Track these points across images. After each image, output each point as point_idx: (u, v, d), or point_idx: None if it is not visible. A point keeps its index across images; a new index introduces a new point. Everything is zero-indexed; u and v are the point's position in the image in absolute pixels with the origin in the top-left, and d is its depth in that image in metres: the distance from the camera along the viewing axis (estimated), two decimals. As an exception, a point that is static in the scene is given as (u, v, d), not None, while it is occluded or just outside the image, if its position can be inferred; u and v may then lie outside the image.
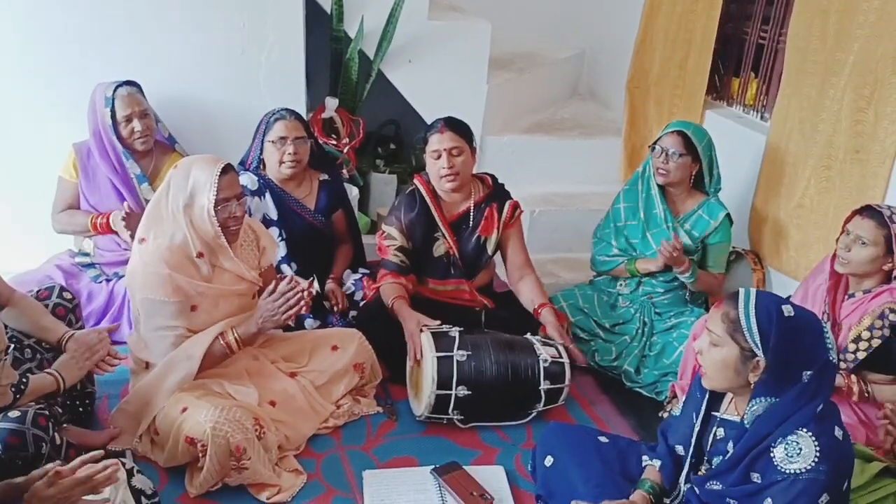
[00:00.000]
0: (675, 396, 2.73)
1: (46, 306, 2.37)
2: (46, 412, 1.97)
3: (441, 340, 2.59)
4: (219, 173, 2.29)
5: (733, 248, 3.22)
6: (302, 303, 2.38)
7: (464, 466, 2.39)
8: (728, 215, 3.01)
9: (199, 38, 3.22)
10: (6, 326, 2.22)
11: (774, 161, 3.22)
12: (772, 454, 1.71)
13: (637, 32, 4.08)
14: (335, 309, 2.99)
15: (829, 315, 2.44)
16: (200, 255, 2.34)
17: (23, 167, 3.18)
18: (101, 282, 3.02)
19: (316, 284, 2.92)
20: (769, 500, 1.70)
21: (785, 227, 3.18)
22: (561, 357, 2.65)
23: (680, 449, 2.00)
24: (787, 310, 1.74)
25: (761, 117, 3.54)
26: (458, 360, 2.54)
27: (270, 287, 2.41)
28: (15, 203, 3.21)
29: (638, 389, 2.94)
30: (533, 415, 2.66)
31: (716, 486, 1.84)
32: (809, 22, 3.02)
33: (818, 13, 2.97)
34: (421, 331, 2.63)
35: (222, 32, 3.24)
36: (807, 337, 1.73)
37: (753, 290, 1.78)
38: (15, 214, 3.22)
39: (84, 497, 1.64)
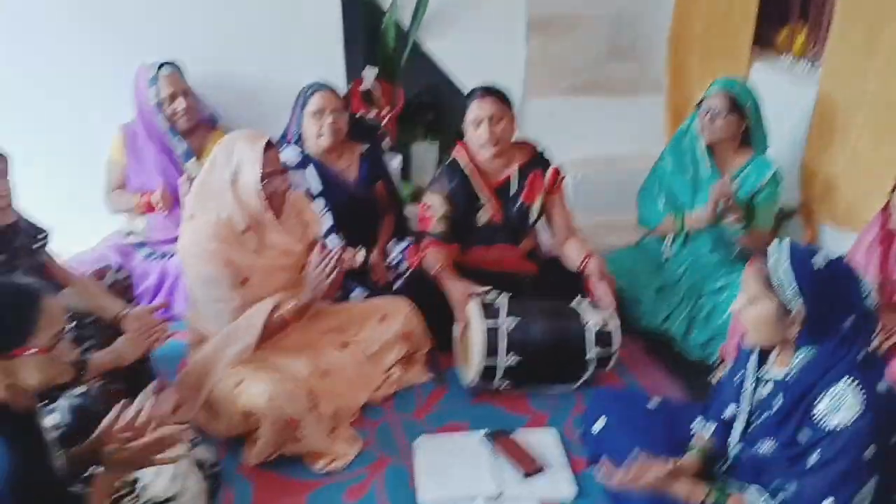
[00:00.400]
0: (724, 359, 2.70)
1: (102, 285, 2.44)
2: (110, 388, 2.04)
3: (489, 309, 2.60)
4: (263, 148, 2.31)
5: (783, 207, 3.14)
6: (340, 265, 2.40)
7: (515, 431, 2.41)
8: (776, 172, 2.94)
9: (235, 16, 3.24)
10: (67, 306, 2.31)
11: (825, 111, 3.13)
12: (816, 408, 1.69)
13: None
14: (376, 282, 3.01)
15: (879, 272, 2.37)
16: (248, 229, 2.37)
17: (74, 150, 3.25)
18: (153, 260, 3.09)
19: (362, 254, 2.96)
20: (816, 454, 1.69)
21: (837, 179, 3.09)
22: (609, 322, 2.63)
23: (729, 410, 1.99)
24: (819, 259, 1.71)
25: (812, 66, 3.42)
26: (506, 329, 2.55)
27: (310, 258, 2.44)
28: (69, 186, 3.29)
29: (688, 352, 2.92)
30: (583, 379, 2.66)
31: (767, 443, 1.83)
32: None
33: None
34: (469, 297, 2.64)
35: (259, 8, 3.25)
36: (844, 284, 1.71)
37: (785, 244, 1.75)
38: (69, 197, 3.30)
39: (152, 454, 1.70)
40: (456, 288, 2.69)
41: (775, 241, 1.77)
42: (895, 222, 2.35)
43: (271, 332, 2.42)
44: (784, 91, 3.37)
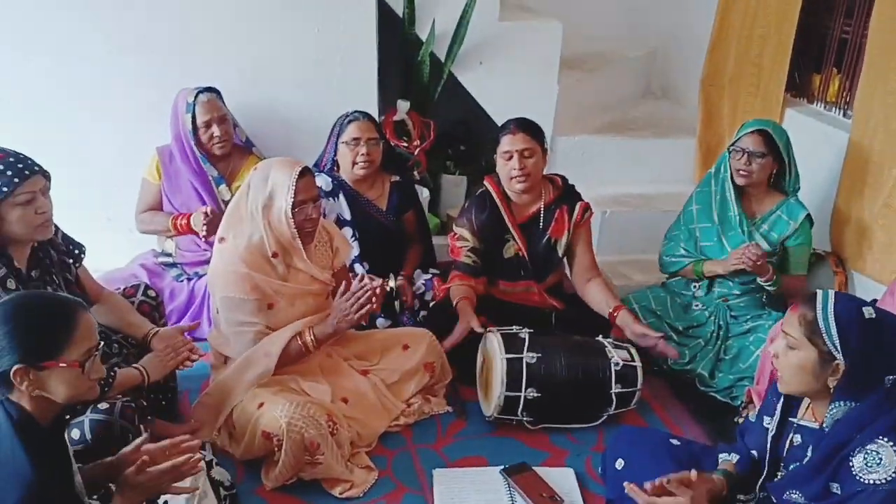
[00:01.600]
0: (751, 401, 2.66)
1: (132, 303, 2.48)
2: (133, 405, 2.06)
3: (511, 342, 2.59)
4: (297, 176, 2.34)
5: (814, 249, 3.11)
6: (373, 300, 2.41)
7: (533, 468, 2.39)
8: (809, 216, 2.92)
9: (274, 45, 3.31)
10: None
11: (857, 159, 3.11)
12: (851, 463, 1.66)
13: (711, 29, 3.99)
14: (404, 305, 3.03)
15: None
16: (275, 255, 2.40)
17: (110, 170, 3.32)
18: (182, 281, 3.14)
19: (391, 282, 2.97)
20: None
21: (869, 229, 3.05)
22: (633, 360, 2.62)
23: (755, 454, 1.95)
24: (868, 311, 1.68)
25: (844, 114, 3.41)
26: (527, 362, 2.54)
27: (342, 288, 2.45)
28: (103, 205, 3.36)
29: (712, 394, 2.88)
30: (604, 418, 2.63)
31: (795, 496, 1.79)
32: (892, 13, 2.90)
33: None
34: (489, 331, 2.64)
35: (296, 38, 3.32)
36: (889, 339, 1.67)
37: (832, 292, 1.73)
38: (103, 215, 3.37)
39: (172, 484, 1.71)
40: (464, 317, 2.70)
41: (820, 290, 1.75)
42: None
43: (292, 359, 2.43)
44: (817, 137, 3.36)
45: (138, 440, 1.76)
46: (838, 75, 3.48)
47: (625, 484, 1.90)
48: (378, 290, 2.43)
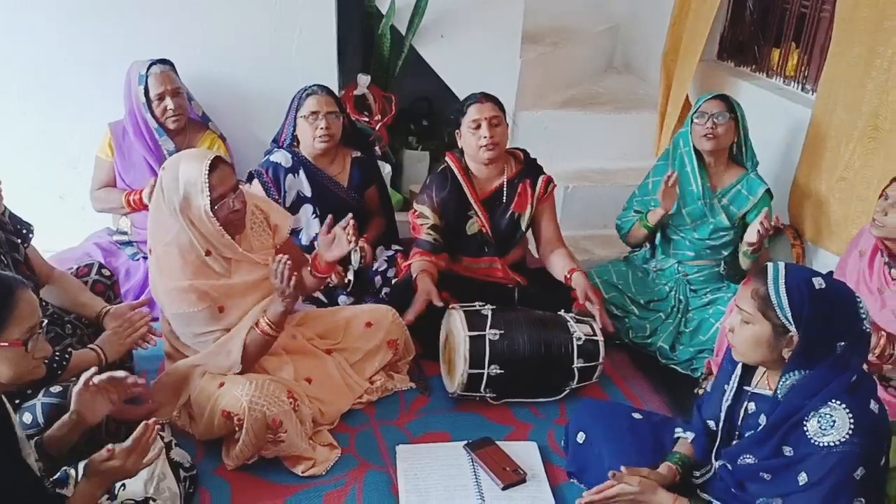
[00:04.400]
0: (710, 373, 2.70)
1: (86, 283, 2.42)
2: (87, 387, 2.01)
3: (474, 319, 2.58)
4: (207, 171, 2.18)
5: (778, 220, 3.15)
6: (288, 272, 2.22)
7: (497, 442, 2.40)
8: (768, 190, 2.94)
9: (231, 17, 3.23)
10: (46, 303, 2.29)
11: (818, 133, 3.14)
12: (805, 427, 1.69)
13: (673, 4, 3.99)
14: (363, 263, 2.95)
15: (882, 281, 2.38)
16: (209, 252, 2.28)
17: (63, 145, 3.24)
18: (138, 259, 3.07)
19: (350, 275, 2.93)
20: (804, 473, 1.68)
21: (826, 201, 3.10)
22: (595, 334, 2.63)
23: (712, 424, 1.98)
24: (818, 282, 1.70)
25: (802, 88, 3.45)
26: (490, 339, 2.54)
27: (274, 265, 2.29)
28: (55, 182, 3.28)
29: (673, 366, 2.92)
30: (566, 392, 2.65)
31: (749, 459, 1.82)
32: (855, -7, 2.92)
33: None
34: (452, 307, 2.63)
35: (255, 10, 3.25)
36: (839, 308, 1.70)
37: (782, 265, 1.75)
38: (56, 194, 3.28)
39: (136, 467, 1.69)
40: (423, 284, 2.68)
41: (771, 263, 1.76)
42: (875, 227, 2.36)
43: (260, 352, 2.36)
44: (776, 110, 3.40)
45: (86, 373, 1.75)
46: (797, 50, 3.51)
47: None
48: (289, 261, 2.26)
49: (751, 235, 2.72)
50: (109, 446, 1.63)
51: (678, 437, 2.07)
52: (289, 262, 2.25)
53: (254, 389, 2.21)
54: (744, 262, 2.88)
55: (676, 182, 2.86)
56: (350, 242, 2.38)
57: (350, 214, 2.44)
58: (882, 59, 2.82)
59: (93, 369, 1.80)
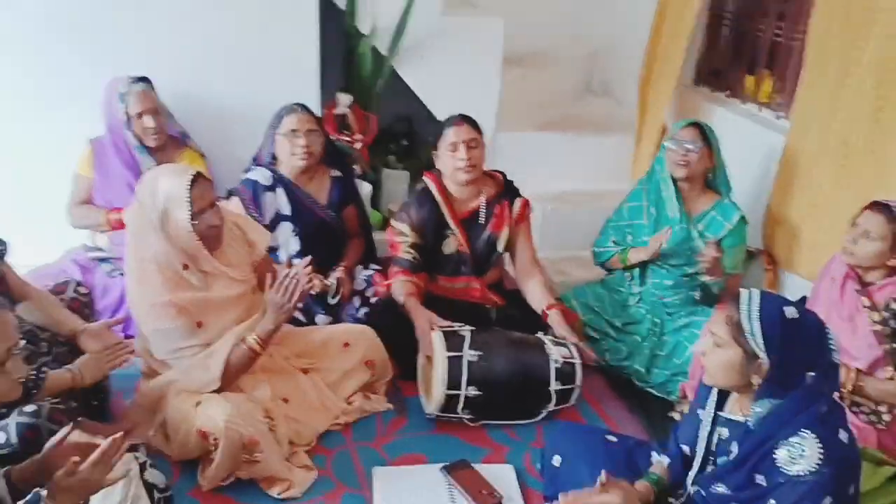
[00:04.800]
0: (685, 397, 2.73)
1: (62, 300, 2.41)
2: (62, 407, 1.99)
3: (452, 340, 2.59)
4: (189, 185, 2.20)
5: (747, 248, 3.20)
6: (300, 289, 2.30)
7: (473, 464, 2.40)
8: (743, 216, 2.99)
9: (212, 34, 3.24)
10: (22, 320, 2.26)
11: (791, 160, 3.21)
12: (775, 456, 1.71)
13: (650, 29, 4.06)
14: (339, 298, 2.98)
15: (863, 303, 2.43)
16: (186, 266, 2.28)
17: (39, 162, 3.21)
18: (115, 276, 3.04)
19: (330, 279, 2.93)
20: (772, 501, 1.70)
21: (798, 227, 3.16)
22: (572, 357, 2.65)
23: (687, 449, 2.00)
24: (790, 311, 1.73)
25: (776, 115, 3.51)
26: (468, 360, 2.55)
27: (269, 281, 2.35)
28: (32, 197, 3.24)
29: (649, 389, 2.94)
30: (543, 414, 2.66)
31: (720, 488, 1.84)
32: (829, 21, 2.99)
33: (838, 12, 2.94)
34: (432, 329, 2.64)
35: (236, 28, 3.25)
36: (810, 338, 1.73)
37: (756, 292, 1.78)
38: (32, 208, 3.24)
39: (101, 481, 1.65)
40: (421, 318, 2.69)
41: (745, 290, 1.79)
42: (846, 254, 2.42)
43: (243, 367, 2.35)
44: (750, 136, 3.46)
45: (62, 432, 1.69)
46: (771, 77, 3.58)
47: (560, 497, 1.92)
48: (305, 280, 2.33)
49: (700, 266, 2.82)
50: (75, 459, 1.61)
51: (654, 462, 2.09)
52: (298, 278, 2.28)
53: (230, 409, 2.20)
54: (714, 289, 2.94)
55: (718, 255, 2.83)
56: (307, 285, 2.35)
57: (307, 258, 2.41)
58: (851, 87, 2.89)
59: (66, 428, 1.73)
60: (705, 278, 2.88)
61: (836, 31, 2.96)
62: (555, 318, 2.80)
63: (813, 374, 1.71)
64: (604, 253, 3.17)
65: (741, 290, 1.80)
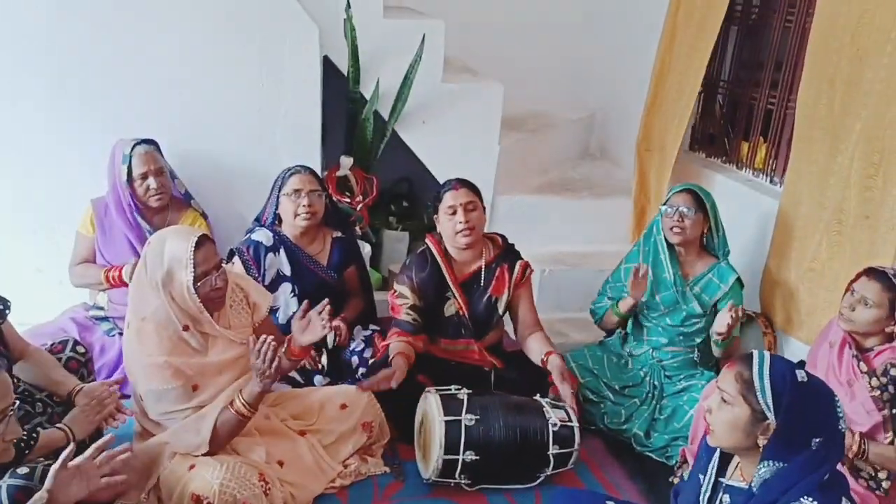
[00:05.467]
0: (685, 461, 2.70)
1: (60, 360, 2.40)
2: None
3: (449, 404, 2.58)
4: (194, 247, 2.23)
5: (744, 311, 3.21)
6: (275, 355, 2.26)
7: (471, 530, 2.37)
8: (739, 279, 3.01)
9: (217, 96, 3.31)
10: (18, 380, 2.26)
11: (786, 225, 3.25)
12: None
13: (647, 94, 4.16)
14: (337, 341, 2.98)
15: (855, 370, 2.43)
16: (186, 328, 2.29)
17: (42, 219, 3.25)
18: (113, 335, 3.04)
19: (324, 359, 2.92)
20: None
21: (795, 291, 3.18)
22: (570, 420, 2.63)
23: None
24: (801, 375, 1.73)
25: (770, 181, 3.57)
26: (466, 425, 2.53)
27: (252, 345, 2.31)
28: (34, 256, 3.26)
29: (648, 454, 2.91)
30: (541, 479, 2.63)
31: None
32: (817, 90, 3.07)
33: (825, 81, 3.02)
34: (428, 391, 2.63)
35: (241, 90, 3.32)
36: (819, 403, 1.73)
37: (767, 353, 1.79)
38: (34, 267, 3.26)
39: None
40: (394, 367, 2.66)
41: (755, 351, 1.79)
42: (843, 321, 2.43)
43: (233, 432, 2.33)
44: (746, 201, 3.51)
45: (67, 451, 1.71)
46: (765, 144, 3.65)
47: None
48: (274, 347, 2.28)
49: (720, 325, 2.79)
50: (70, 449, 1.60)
51: None
52: (273, 343, 2.26)
53: (225, 472, 2.18)
54: (716, 351, 2.94)
55: (647, 274, 2.92)
56: (325, 328, 2.37)
57: (326, 300, 2.44)
58: (843, 155, 2.95)
59: (71, 446, 1.76)
60: (716, 335, 2.86)
61: (823, 100, 3.03)
62: (554, 363, 2.77)
63: (819, 439, 1.70)
64: (599, 309, 3.19)
65: (753, 350, 1.80)
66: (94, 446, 1.77)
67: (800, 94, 3.18)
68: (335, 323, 2.98)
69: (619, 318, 3.07)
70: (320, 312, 2.39)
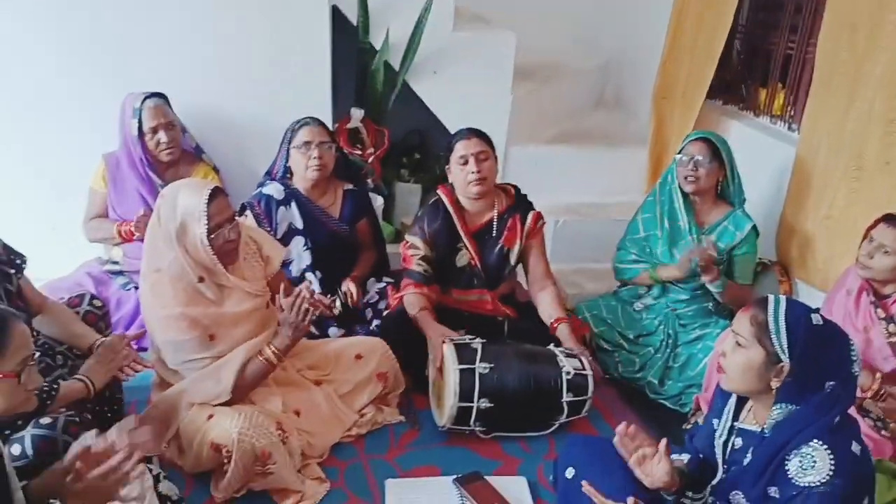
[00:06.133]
0: (699, 409, 2.72)
1: (77, 313, 2.42)
2: (77, 419, 2.00)
3: (463, 352, 2.59)
4: (207, 199, 2.23)
5: (760, 259, 3.19)
6: (312, 309, 2.34)
7: (486, 477, 2.40)
8: (754, 227, 2.98)
9: (226, 49, 3.27)
10: (38, 333, 2.29)
11: (803, 172, 3.20)
12: (786, 467, 1.70)
13: (664, 42, 4.07)
14: (350, 304, 3.00)
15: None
16: (201, 279, 2.30)
17: (56, 176, 3.25)
18: (129, 289, 3.07)
19: (338, 303, 2.94)
20: None
21: (812, 239, 3.14)
22: (584, 369, 2.64)
23: (703, 457, 1.99)
24: (816, 318, 1.74)
25: (789, 127, 3.51)
26: (480, 373, 2.55)
27: (278, 300, 2.38)
28: (47, 211, 3.28)
29: (662, 401, 2.93)
30: (555, 426, 2.65)
31: (738, 496, 1.83)
32: (837, 34, 2.99)
33: (846, 26, 2.95)
34: (444, 342, 2.64)
35: (249, 44, 3.29)
36: (834, 346, 1.73)
37: (783, 297, 1.78)
38: (47, 222, 3.28)
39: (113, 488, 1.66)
40: (434, 332, 2.69)
41: (771, 295, 1.79)
42: (861, 269, 2.41)
43: (257, 379, 2.37)
44: (763, 149, 3.46)
45: (75, 448, 1.70)
46: (783, 90, 3.58)
47: (583, 483, 1.91)
48: (315, 297, 2.37)
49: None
50: (79, 465, 1.62)
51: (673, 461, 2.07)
52: (309, 296, 2.30)
53: (243, 421, 2.21)
54: (719, 297, 2.93)
55: (711, 251, 2.84)
56: (308, 312, 2.36)
57: (306, 283, 2.43)
58: (862, 101, 2.88)
59: (89, 437, 1.76)
60: (703, 278, 2.85)
61: (844, 45, 2.96)
62: (563, 332, 2.79)
63: (832, 383, 1.71)
64: (628, 270, 3.14)
65: (769, 294, 1.80)
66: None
67: (820, 39, 3.10)
68: (345, 287, 3.01)
69: (656, 282, 3.06)
70: (298, 298, 2.36)
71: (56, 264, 3.07)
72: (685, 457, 2.04)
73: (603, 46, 4.77)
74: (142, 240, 2.80)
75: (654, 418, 2.84)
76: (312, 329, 2.94)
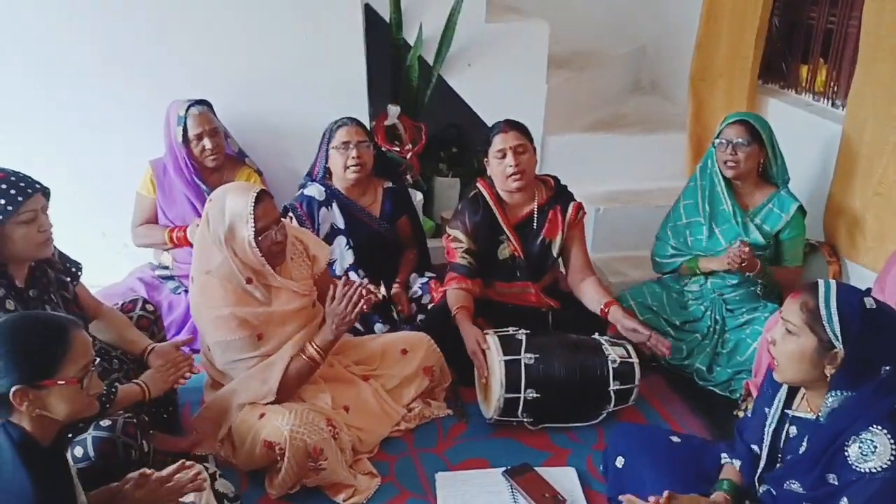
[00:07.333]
0: (749, 395, 2.68)
1: (131, 318, 2.49)
2: (135, 421, 2.07)
3: (508, 344, 2.60)
4: (253, 202, 2.28)
5: (807, 240, 3.13)
6: (362, 300, 2.37)
7: (535, 468, 2.41)
8: (800, 207, 2.93)
9: (263, 55, 3.33)
10: (94, 338, 2.36)
11: (850, 149, 3.12)
12: (846, 452, 1.67)
13: (699, 24, 4.01)
14: (401, 314, 3.04)
15: None
16: (249, 280, 2.35)
17: (104, 185, 3.34)
18: (179, 293, 3.14)
19: (383, 289, 2.98)
20: (845, 499, 1.66)
21: (861, 217, 3.07)
22: (630, 357, 2.63)
23: (755, 448, 1.96)
24: (869, 302, 1.69)
25: (832, 104, 3.43)
26: (525, 364, 2.55)
27: (331, 293, 2.42)
28: (100, 218, 3.37)
29: (711, 388, 2.89)
30: (603, 416, 2.65)
31: (794, 485, 1.80)
32: (881, 5, 2.91)
33: (890, -4, 2.87)
34: (486, 333, 2.65)
35: (285, 48, 3.33)
36: (888, 330, 1.68)
37: (833, 282, 1.74)
38: (98, 229, 3.37)
39: (171, 499, 1.72)
40: (470, 337, 2.68)
41: (820, 280, 1.75)
42: None
43: (302, 378, 2.42)
44: (806, 127, 3.38)
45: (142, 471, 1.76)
46: (825, 66, 3.50)
47: (621, 498, 1.90)
48: (367, 290, 2.41)
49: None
50: (144, 471, 1.68)
51: (724, 464, 2.05)
52: (362, 288, 2.35)
53: (294, 418, 2.25)
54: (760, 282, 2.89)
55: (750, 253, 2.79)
56: (358, 304, 2.38)
57: (361, 278, 2.46)
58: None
59: (140, 472, 1.77)
60: (747, 274, 2.82)
61: (888, 18, 2.88)
62: (616, 314, 2.74)
63: (889, 367, 1.67)
64: (668, 264, 3.10)
65: (818, 279, 1.76)
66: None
67: (864, 11, 3.02)
68: (394, 291, 3.05)
69: (696, 274, 3.03)
70: (353, 290, 2.39)
71: (108, 270, 3.15)
72: (736, 462, 2.00)
73: (637, 31, 4.71)
74: None
75: (702, 405, 2.82)
76: (358, 325, 2.97)
